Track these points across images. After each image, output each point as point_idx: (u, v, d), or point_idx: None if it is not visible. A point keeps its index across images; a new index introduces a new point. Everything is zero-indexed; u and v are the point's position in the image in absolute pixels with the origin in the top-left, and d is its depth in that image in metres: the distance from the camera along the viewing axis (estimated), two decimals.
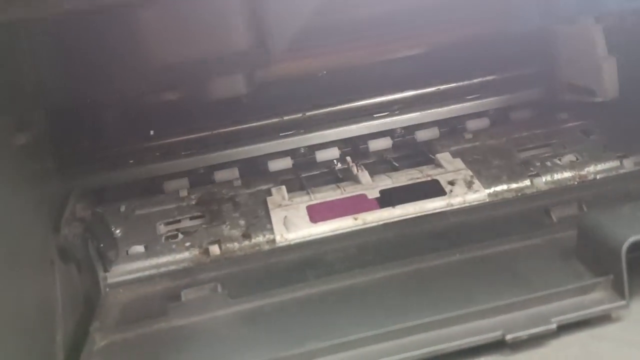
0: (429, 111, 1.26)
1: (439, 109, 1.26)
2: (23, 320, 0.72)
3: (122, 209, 1.10)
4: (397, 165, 1.18)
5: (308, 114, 1.28)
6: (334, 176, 1.19)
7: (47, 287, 0.81)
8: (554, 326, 0.71)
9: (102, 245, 0.92)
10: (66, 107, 0.98)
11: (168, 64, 0.82)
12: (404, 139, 1.27)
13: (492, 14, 1.24)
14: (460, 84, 1.31)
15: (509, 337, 0.70)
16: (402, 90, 1.30)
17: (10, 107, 0.82)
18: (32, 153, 0.85)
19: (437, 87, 1.31)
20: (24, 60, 0.87)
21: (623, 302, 0.73)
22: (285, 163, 1.23)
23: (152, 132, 1.25)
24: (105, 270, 0.96)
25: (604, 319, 0.74)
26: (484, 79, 1.31)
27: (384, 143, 1.26)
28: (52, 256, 0.83)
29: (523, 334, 0.71)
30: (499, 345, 0.71)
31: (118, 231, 1.04)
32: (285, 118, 1.28)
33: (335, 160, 1.22)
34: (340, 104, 1.30)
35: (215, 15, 0.82)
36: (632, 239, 0.72)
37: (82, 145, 1.26)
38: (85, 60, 0.86)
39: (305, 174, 1.20)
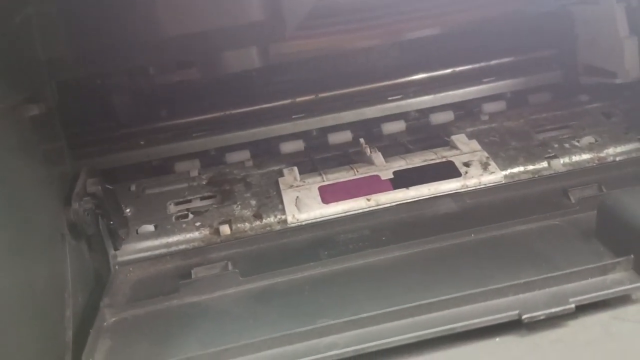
0: (444, 94, 1.24)
1: (455, 92, 1.24)
2: (33, 294, 0.72)
3: (133, 188, 1.09)
4: (411, 148, 1.16)
5: (321, 95, 1.27)
6: (346, 158, 1.17)
7: (57, 262, 0.80)
8: (572, 306, 0.68)
9: (112, 222, 0.92)
10: (76, 83, 0.97)
11: (181, 36, 0.80)
12: (418, 122, 1.25)
13: None
14: (476, 65, 1.28)
15: (525, 316, 0.68)
16: (416, 73, 1.29)
17: (21, 80, 0.81)
18: (43, 126, 0.85)
19: (452, 69, 1.28)
20: (34, 34, 0.87)
21: None
22: (297, 145, 1.22)
23: (163, 112, 1.25)
24: (116, 249, 0.95)
25: (624, 299, 0.71)
26: (501, 60, 1.29)
27: (398, 126, 1.24)
28: (62, 230, 0.82)
29: (540, 314, 0.68)
30: (515, 325, 0.69)
31: (128, 210, 1.03)
32: (298, 100, 1.26)
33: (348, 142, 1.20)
34: (354, 85, 1.28)
35: None
36: None
37: (93, 125, 1.26)
38: (95, 34, 0.85)
39: (317, 156, 1.18)
